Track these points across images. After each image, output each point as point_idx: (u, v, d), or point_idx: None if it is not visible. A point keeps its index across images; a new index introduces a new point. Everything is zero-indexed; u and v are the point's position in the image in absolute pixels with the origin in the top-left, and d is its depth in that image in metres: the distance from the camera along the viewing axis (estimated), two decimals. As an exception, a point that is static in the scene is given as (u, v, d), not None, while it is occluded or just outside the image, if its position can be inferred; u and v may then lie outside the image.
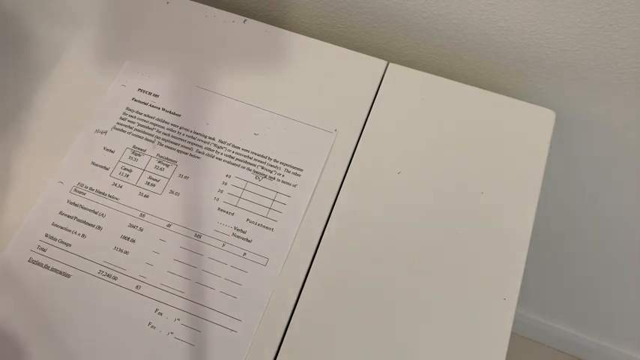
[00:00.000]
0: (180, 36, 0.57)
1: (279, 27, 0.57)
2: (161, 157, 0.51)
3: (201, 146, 0.51)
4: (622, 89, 0.55)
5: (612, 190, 0.70)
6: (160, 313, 0.45)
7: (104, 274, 0.46)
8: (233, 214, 0.48)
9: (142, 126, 0.52)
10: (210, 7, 0.58)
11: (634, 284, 0.84)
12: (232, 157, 0.51)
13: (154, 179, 0.50)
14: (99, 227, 0.48)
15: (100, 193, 0.49)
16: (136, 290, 0.46)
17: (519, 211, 0.48)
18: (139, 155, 0.51)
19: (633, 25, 0.49)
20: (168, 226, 0.48)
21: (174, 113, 0.53)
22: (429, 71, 0.54)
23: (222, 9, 0.58)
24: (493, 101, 0.53)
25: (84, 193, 0.49)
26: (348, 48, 0.56)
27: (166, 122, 0.52)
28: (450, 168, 0.50)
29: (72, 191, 0.49)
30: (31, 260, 0.47)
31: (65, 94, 0.54)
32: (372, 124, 0.52)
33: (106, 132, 0.52)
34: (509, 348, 0.44)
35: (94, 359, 0.44)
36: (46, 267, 0.46)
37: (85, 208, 0.49)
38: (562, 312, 1.05)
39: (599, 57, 0.53)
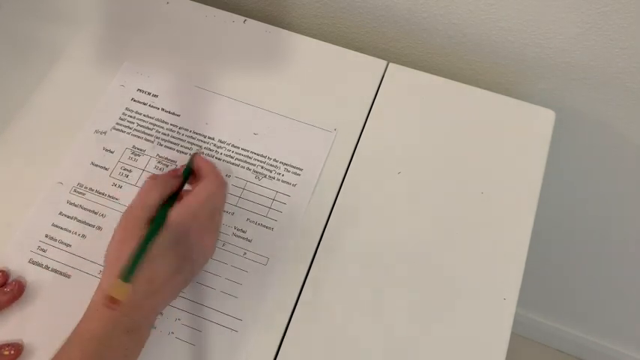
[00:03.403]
0: (180, 36, 0.57)
1: (279, 27, 0.57)
2: (161, 157, 0.51)
3: (200, 146, 0.51)
4: (622, 89, 0.55)
5: (612, 190, 0.70)
6: (161, 313, 0.45)
7: (104, 274, 0.46)
8: (233, 213, 0.48)
9: (141, 126, 0.52)
10: (210, 7, 0.58)
11: (634, 284, 0.84)
12: (232, 157, 0.51)
13: (153, 179, 0.50)
14: (99, 227, 0.48)
15: (99, 193, 0.49)
16: (136, 290, 0.46)
17: (519, 211, 0.48)
18: (139, 155, 0.51)
19: (633, 25, 0.49)
20: (168, 226, 0.48)
21: (173, 113, 0.53)
22: (429, 71, 0.54)
23: (222, 9, 0.58)
24: (493, 101, 0.53)
25: (84, 194, 0.49)
26: (348, 48, 0.56)
27: (166, 122, 0.52)
28: (450, 168, 0.50)
29: (72, 192, 0.49)
30: (31, 261, 0.47)
31: (65, 94, 0.54)
32: (372, 123, 0.52)
33: (105, 132, 0.52)
34: (509, 348, 0.44)
35: None
36: (47, 268, 0.46)
37: (85, 209, 0.49)
38: (562, 312, 1.05)
39: (599, 57, 0.53)
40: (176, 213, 0.40)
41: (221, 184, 0.43)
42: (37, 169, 0.50)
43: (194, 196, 0.41)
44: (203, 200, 0.41)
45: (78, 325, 0.38)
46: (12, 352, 0.42)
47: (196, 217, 0.40)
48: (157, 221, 0.39)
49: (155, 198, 0.41)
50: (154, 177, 0.43)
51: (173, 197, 0.42)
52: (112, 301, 0.34)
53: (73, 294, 0.45)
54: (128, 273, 0.36)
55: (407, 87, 0.54)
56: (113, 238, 0.40)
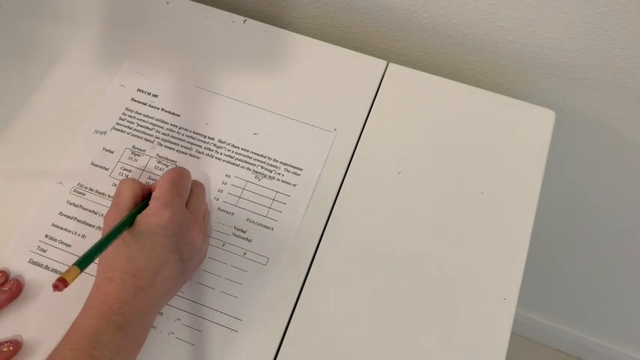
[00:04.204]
0: (180, 36, 0.57)
1: (279, 27, 0.57)
2: (161, 157, 0.51)
3: (200, 146, 0.51)
4: (622, 89, 0.55)
5: (612, 190, 0.70)
6: (161, 313, 0.45)
7: (104, 274, 0.46)
8: (233, 213, 0.48)
9: (141, 126, 0.52)
10: (210, 7, 0.58)
11: (634, 284, 0.84)
12: (232, 157, 0.51)
13: (153, 179, 0.50)
14: (99, 228, 0.48)
15: (99, 193, 0.49)
16: (136, 290, 0.46)
17: (519, 211, 0.48)
18: (139, 155, 0.51)
19: (633, 25, 0.49)
20: (168, 226, 0.48)
21: (173, 113, 0.53)
22: (429, 71, 0.54)
23: (222, 9, 0.58)
24: (493, 101, 0.53)
25: (84, 194, 0.49)
26: (348, 48, 0.56)
27: (166, 122, 0.52)
28: (450, 168, 0.50)
29: (72, 192, 0.49)
30: (31, 261, 0.47)
31: (65, 94, 0.54)
32: (372, 124, 0.52)
33: (105, 132, 0.52)
34: (509, 348, 0.44)
35: None
36: (47, 268, 0.46)
37: (85, 209, 0.49)
38: (562, 312, 1.05)
39: (599, 57, 0.53)
40: (147, 210, 0.41)
41: (179, 170, 0.44)
42: (37, 169, 0.50)
43: (158, 189, 0.42)
44: (167, 189, 0.42)
45: (73, 323, 0.38)
46: (11, 348, 0.42)
47: (167, 206, 0.41)
48: (121, 222, 0.40)
49: (127, 199, 0.42)
50: (124, 179, 0.44)
51: (147, 200, 0.43)
52: (60, 280, 0.35)
53: (72, 294, 0.45)
54: (84, 262, 0.37)
55: (407, 87, 0.54)
56: None
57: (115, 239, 0.39)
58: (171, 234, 0.41)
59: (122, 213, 0.41)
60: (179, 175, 0.44)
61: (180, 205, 0.42)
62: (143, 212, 0.41)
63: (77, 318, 0.39)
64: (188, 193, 0.44)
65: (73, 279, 0.35)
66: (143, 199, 0.44)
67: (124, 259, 0.40)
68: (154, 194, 0.42)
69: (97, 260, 0.40)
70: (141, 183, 0.44)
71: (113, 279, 0.39)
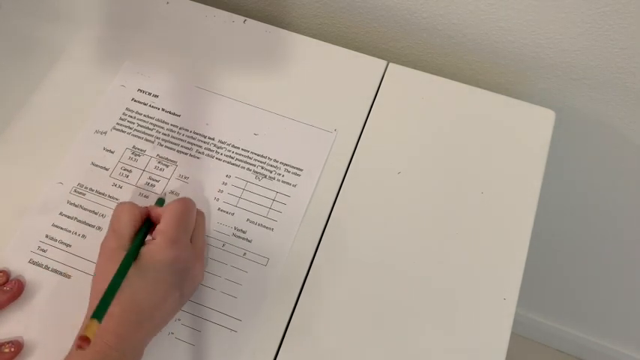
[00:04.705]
0: (180, 36, 0.57)
1: (279, 27, 0.57)
2: (161, 157, 0.51)
3: (200, 146, 0.51)
4: (622, 89, 0.55)
5: (612, 190, 0.70)
6: (160, 314, 0.45)
7: (104, 274, 0.46)
8: (233, 214, 0.48)
9: (141, 126, 0.52)
10: (210, 7, 0.58)
11: (634, 284, 0.84)
12: (232, 158, 0.51)
13: (154, 180, 0.50)
14: (99, 228, 0.48)
15: (99, 193, 0.49)
16: (136, 290, 0.46)
17: (519, 211, 0.48)
18: (139, 156, 0.51)
19: (633, 25, 0.49)
20: (169, 226, 0.48)
21: (173, 113, 0.53)
22: (429, 71, 0.54)
23: (222, 9, 0.58)
24: (493, 101, 0.53)
25: (84, 194, 0.49)
26: (348, 48, 0.56)
27: (166, 122, 0.52)
28: (450, 168, 0.50)
29: (72, 192, 0.49)
30: (31, 261, 0.47)
31: (65, 94, 0.54)
32: (372, 124, 0.52)
33: (105, 132, 0.52)
34: (509, 348, 0.44)
35: None
36: (47, 268, 0.46)
37: (85, 209, 0.49)
38: (562, 312, 1.05)
39: (599, 57, 0.53)
40: (152, 245, 0.40)
41: (187, 202, 0.43)
42: (37, 169, 0.50)
43: (164, 223, 0.41)
44: (175, 224, 0.41)
45: (66, 357, 0.37)
46: (12, 349, 0.42)
47: (174, 243, 0.40)
48: (126, 257, 0.39)
49: (127, 224, 0.41)
50: (122, 202, 0.43)
51: (146, 226, 0.42)
52: (83, 340, 0.33)
53: (73, 294, 0.45)
54: (100, 312, 0.35)
55: (407, 87, 0.54)
56: (95, 271, 0.41)
57: (122, 279, 0.38)
58: (175, 272, 0.40)
59: (122, 242, 0.40)
60: (186, 207, 0.43)
61: (187, 241, 0.42)
62: (148, 246, 0.40)
63: (71, 354, 0.37)
64: (193, 227, 0.44)
65: (94, 332, 0.34)
66: (142, 223, 0.42)
67: (126, 295, 0.38)
68: (159, 227, 0.41)
69: (91, 286, 0.40)
70: (138, 206, 0.43)
71: (113, 314, 0.37)
